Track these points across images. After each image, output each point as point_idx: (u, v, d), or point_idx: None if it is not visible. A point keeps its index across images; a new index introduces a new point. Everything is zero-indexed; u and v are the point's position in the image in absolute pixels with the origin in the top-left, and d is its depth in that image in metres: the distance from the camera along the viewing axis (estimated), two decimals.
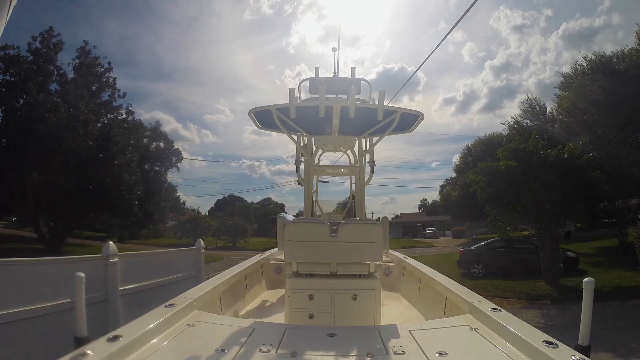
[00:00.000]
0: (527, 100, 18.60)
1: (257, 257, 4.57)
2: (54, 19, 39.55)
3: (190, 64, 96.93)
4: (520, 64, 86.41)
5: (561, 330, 6.73)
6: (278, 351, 1.82)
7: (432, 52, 6.87)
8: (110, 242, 4.91)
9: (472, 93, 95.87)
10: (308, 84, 4.43)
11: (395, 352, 1.82)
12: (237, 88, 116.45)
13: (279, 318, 3.35)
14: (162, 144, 25.37)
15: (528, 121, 18.30)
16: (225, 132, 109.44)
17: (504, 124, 22.77)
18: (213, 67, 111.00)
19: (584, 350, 2.17)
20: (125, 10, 57.57)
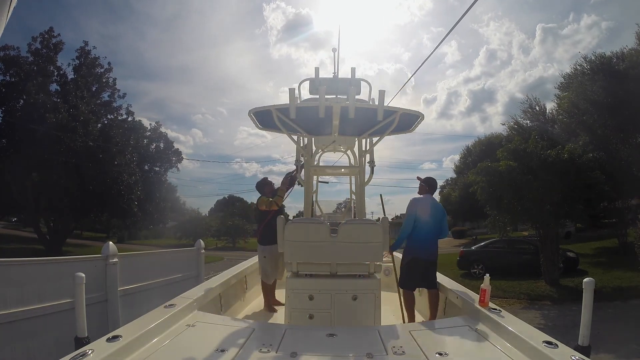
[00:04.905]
0: (527, 100, 18.59)
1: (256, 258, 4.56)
2: (36, 19, 39.46)
3: (177, 63, 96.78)
4: (504, 59, 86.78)
5: (561, 330, 6.72)
6: (278, 351, 1.82)
7: (428, 56, 6.88)
8: (110, 243, 4.91)
9: (458, 92, 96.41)
10: (308, 84, 4.42)
11: (395, 353, 1.82)
12: (226, 87, 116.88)
13: (279, 318, 3.34)
14: (162, 145, 25.29)
15: (528, 121, 18.28)
16: (217, 132, 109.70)
17: (503, 124, 22.76)
18: (202, 66, 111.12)
19: (584, 350, 2.17)
20: (105, 9, 57.09)
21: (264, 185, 4.27)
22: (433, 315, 3.25)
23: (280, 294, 3.99)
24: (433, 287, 3.34)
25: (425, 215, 3.38)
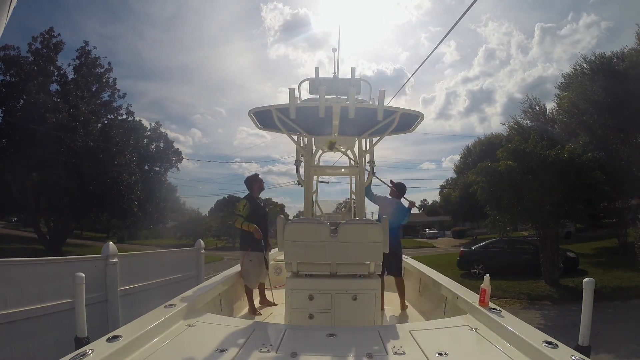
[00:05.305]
0: (527, 100, 18.60)
1: None
2: (36, 19, 39.75)
3: (176, 63, 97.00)
4: (503, 59, 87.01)
5: (561, 330, 6.72)
6: (278, 351, 1.82)
7: (428, 56, 6.87)
8: (110, 243, 4.91)
9: (457, 92, 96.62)
10: (308, 84, 4.42)
11: (395, 353, 1.82)
12: (225, 87, 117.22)
13: (279, 318, 3.34)
14: (162, 145, 25.29)
15: (528, 121, 18.29)
16: (217, 132, 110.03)
17: (503, 124, 22.76)
18: (201, 66, 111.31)
19: (584, 350, 2.17)
20: (105, 9, 57.46)
21: (253, 183, 4.15)
22: (402, 304, 3.80)
23: (279, 294, 3.99)
24: (393, 274, 3.84)
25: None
